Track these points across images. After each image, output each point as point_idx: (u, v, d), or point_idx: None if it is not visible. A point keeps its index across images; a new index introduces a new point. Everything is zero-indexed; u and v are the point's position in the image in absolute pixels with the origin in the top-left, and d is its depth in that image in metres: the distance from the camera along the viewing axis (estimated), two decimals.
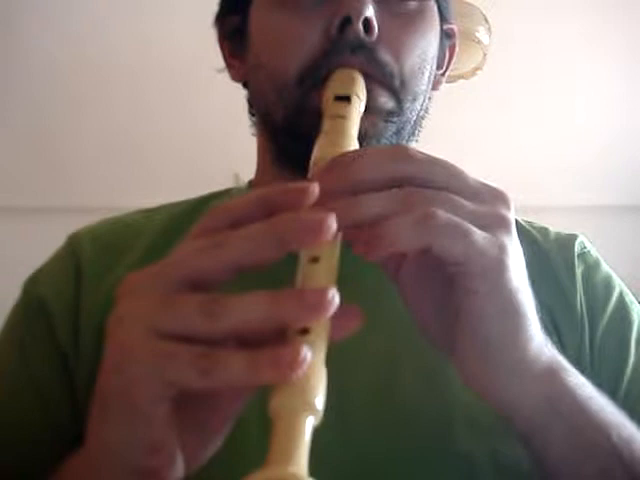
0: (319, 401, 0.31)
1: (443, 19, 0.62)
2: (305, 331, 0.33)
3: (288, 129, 0.58)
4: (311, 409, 0.31)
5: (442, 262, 0.38)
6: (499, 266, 0.37)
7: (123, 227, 0.64)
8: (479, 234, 0.37)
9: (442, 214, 0.36)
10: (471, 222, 0.37)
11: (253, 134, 0.66)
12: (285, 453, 0.29)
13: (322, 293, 0.32)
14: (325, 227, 0.33)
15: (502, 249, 0.38)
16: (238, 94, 0.66)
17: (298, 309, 0.32)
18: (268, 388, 0.32)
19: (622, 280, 0.63)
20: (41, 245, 0.77)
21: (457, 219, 0.37)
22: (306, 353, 0.31)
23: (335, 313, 0.33)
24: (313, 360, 0.32)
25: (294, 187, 0.36)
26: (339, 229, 0.35)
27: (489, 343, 0.39)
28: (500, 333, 0.38)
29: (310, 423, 0.31)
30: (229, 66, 0.66)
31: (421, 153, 0.39)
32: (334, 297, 0.32)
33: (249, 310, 0.32)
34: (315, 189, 0.35)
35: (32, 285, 0.60)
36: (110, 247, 0.60)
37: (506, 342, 0.39)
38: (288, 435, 0.30)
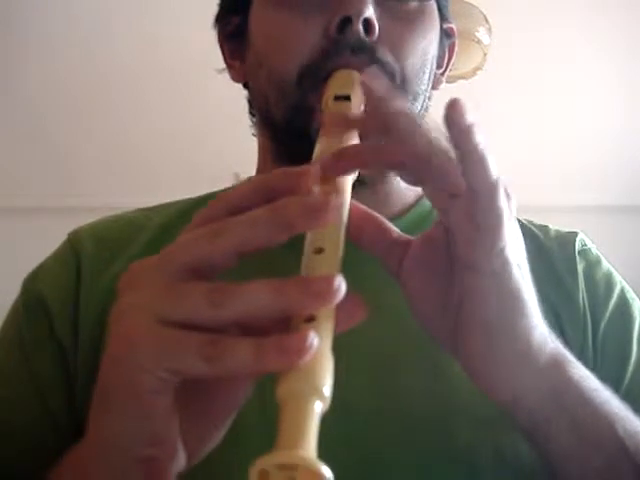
0: (327, 388, 0.31)
1: (443, 18, 0.62)
2: (311, 319, 0.33)
3: (288, 128, 0.58)
4: (319, 394, 0.31)
5: (459, 217, 0.38)
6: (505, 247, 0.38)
7: (123, 224, 0.64)
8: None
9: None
10: None
11: (253, 134, 0.66)
12: (294, 437, 0.29)
13: (328, 281, 0.32)
14: (329, 208, 0.33)
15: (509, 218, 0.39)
16: (238, 94, 0.66)
17: (304, 297, 0.32)
18: (270, 377, 0.32)
19: (623, 279, 0.63)
20: (41, 245, 0.77)
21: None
22: (313, 339, 0.31)
23: (340, 303, 0.33)
24: (320, 347, 0.32)
25: (294, 170, 0.36)
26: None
27: (492, 329, 0.39)
28: (503, 317, 0.39)
29: (318, 408, 0.31)
30: (229, 67, 0.66)
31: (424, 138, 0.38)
32: (340, 285, 0.32)
33: (254, 298, 0.32)
34: (316, 171, 0.35)
35: (32, 282, 0.60)
36: (110, 244, 0.61)
37: (509, 328, 0.39)
38: (297, 419, 0.30)
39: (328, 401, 0.31)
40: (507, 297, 0.38)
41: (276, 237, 0.33)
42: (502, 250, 0.38)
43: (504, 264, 0.38)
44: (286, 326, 0.33)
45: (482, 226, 0.37)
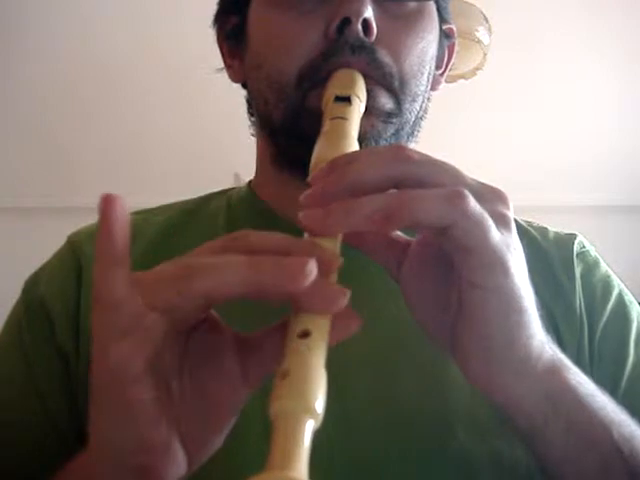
0: (319, 405, 0.31)
1: (442, 19, 0.62)
2: (305, 334, 0.33)
3: (287, 129, 0.58)
4: (311, 413, 0.31)
5: (452, 248, 0.37)
6: (506, 262, 0.37)
7: None
8: (495, 228, 0.37)
9: (471, 198, 0.36)
10: None
11: (253, 134, 0.66)
12: (285, 457, 0.29)
13: (302, 262, 0.32)
14: (305, 274, 0.33)
15: (508, 246, 0.38)
16: (238, 94, 0.66)
17: (277, 275, 0.32)
18: (270, 389, 0.32)
19: (621, 280, 0.63)
20: (41, 245, 0.77)
21: (480, 208, 0.37)
22: (312, 268, 0.32)
23: (335, 316, 0.33)
24: (313, 363, 0.32)
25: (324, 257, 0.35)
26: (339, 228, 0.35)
27: (491, 340, 0.38)
28: (503, 329, 0.38)
29: (310, 427, 0.31)
30: (228, 67, 0.66)
31: (419, 153, 0.39)
32: (313, 269, 0.32)
33: (226, 273, 0.33)
34: (337, 262, 0.36)
35: (32, 285, 0.60)
36: None
37: (508, 339, 0.39)
38: (288, 439, 0.30)
39: (321, 417, 0.31)
40: (507, 311, 0.38)
41: (246, 291, 0.33)
42: (505, 268, 0.37)
43: (505, 279, 0.37)
44: (281, 341, 0.34)
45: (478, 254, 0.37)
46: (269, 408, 0.31)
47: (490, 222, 0.37)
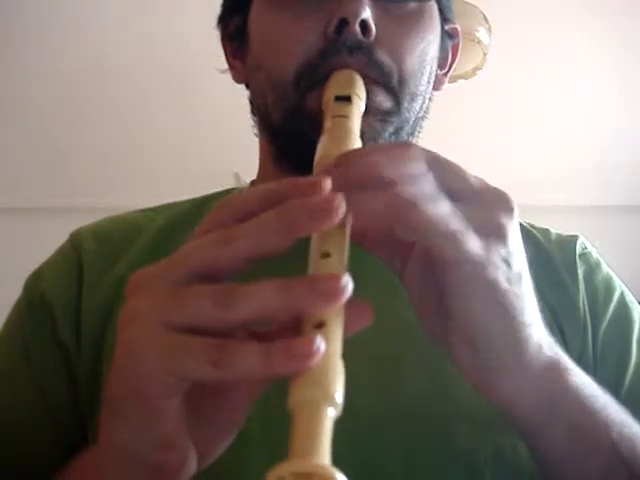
0: (339, 393, 0.31)
1: (445, 19, 0.62)
2: (320, 325, 0.33)
3: (286, 130, 0.58)
4: (331, 400, 0.31)
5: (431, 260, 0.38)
6: (484, 273, 0.37)
7: (125, 224, 0.64)
8: (474, 239, 0.37)
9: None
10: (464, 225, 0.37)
11: (255, 134, 0.66)
12: (308, 445, 0.29)
13: (335, 280, 0.32)
14: (334, 207, 0.33)
15: (490, 257, 0.37)
16: (239, 94, 0.66)
17: (311, 296, 0.32)
18: (274, 386, 0.32)
19: (622, 280, 0.64)
20: (41, 245, 0.77)
21: (447, 219, 0.37)
22: (320, 343, 0.31)
23: (348, 308, 0.33)
24: (330, 352, 0.32)
25: (305, 181, 0.36)
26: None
27: (478, 343, 0.38)
28: (488, 334, 0.38)
29: (332, 415, 0.31)
30: (231, 67, 0.66)
31: (424, 150, 0.39)
32: (347, 284, 0.32)
33: (262, 299, 0.32)
34: (327, 184, 0.35)
35: (34, 281, 0.60)
36: (112, 243, 0.61)
37: (496, 343, 0.38)
38: (311, 427, 0.30)
39: (340, 406, 0.31)
40: (492, 316, 0.38)
41: (284, 241, 0.33)
42: (488, 280, 0.37)
43: (491, 290, 0.38)
44: (296, 333, 0.33)
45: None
46: (288, 397, 0.31)
47: (464, 235, 0.37)
